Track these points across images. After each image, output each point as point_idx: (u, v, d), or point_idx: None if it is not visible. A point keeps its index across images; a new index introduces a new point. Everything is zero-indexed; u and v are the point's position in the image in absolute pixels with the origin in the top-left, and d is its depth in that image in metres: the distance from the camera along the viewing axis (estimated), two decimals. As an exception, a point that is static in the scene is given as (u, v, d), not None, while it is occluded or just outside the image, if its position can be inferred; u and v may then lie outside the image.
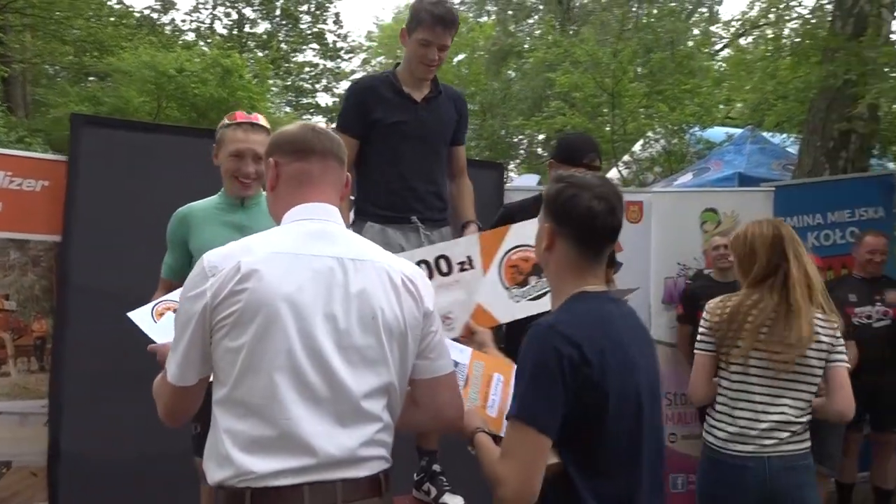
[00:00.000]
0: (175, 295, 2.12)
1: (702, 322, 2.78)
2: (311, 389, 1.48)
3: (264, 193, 2.72)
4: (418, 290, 1.64)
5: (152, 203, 3.56)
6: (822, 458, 4.08)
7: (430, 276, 2.46)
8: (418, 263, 2.42)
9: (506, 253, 2.52)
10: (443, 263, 2.55)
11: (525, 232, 2.47)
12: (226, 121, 2.68)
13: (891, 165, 7.48)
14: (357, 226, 2.98)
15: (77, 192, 3.52)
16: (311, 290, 1.51)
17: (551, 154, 3.25)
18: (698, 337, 2.80)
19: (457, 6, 2.90)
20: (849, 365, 2.66)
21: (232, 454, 1.45)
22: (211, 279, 1.50)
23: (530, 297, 2.48)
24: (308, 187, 1.66)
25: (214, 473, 1.50)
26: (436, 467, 2.92)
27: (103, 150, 3.60)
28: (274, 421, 1.45)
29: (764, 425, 2.55)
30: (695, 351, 2.81)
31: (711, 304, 2.80)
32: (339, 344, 1.51)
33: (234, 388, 1.48)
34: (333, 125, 3.00)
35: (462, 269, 2.54)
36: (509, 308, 2.50)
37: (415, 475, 2.98)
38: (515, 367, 1.76)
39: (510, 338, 2.75)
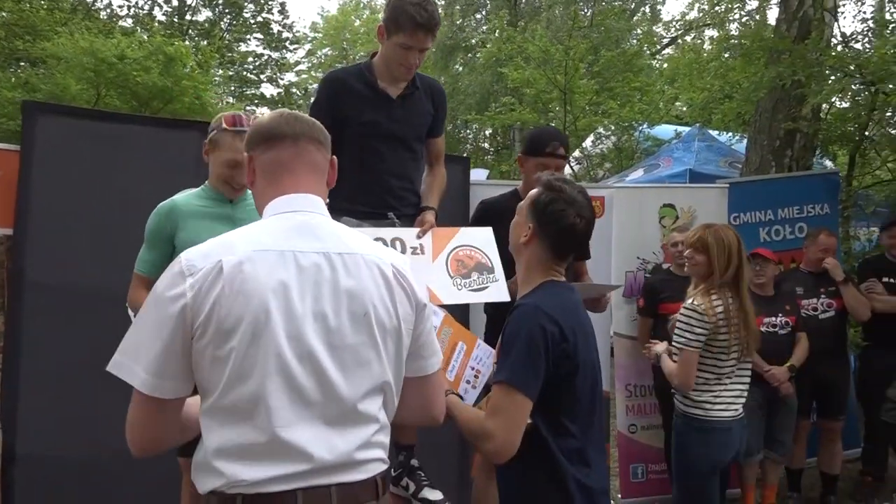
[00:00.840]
0: None
1: (695, 322, 3.16)
2: (303, 393, 1.42)
3: (249, 191, 2.71)
4: (410, 283, 1.60)
5: (110, 195, 3.44)
6: (773, 445, 4.27)
7: (417, 251, 2.71)
8: (374, 240, 2.55)
9: (453, 248, 2.83)
10: (397, 244, 2.72)
11: (473, 235, 2.88)
12: (223, 123, 2.58)
13: (829, 164, 7.81)
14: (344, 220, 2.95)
15: (31, 183, 3.35)
16: (298, 288, 1.44)
17: (520, 149, 3.32)
18: (691, 334, 3.15)
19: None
20: None
21: (221, 463, 1.39)
22: (189, 279, 1.39)
23: (471, 288, 2.76)
24: (285, 176, 1.58)
25: (204, 483, 1.42)
26: (414, 462, 2.90)
27: (58, 139, 3.43)
28: (264, 428, 1.39)
29: (737, 396, 3.29)
30: (685, 347, 3.19)
31: (702, 306, 3.15)
32: (330, 344, 1.45)
33: (221, 396, 1.40)
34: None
35: (413, 254, 2.75)
36: (452, 293, 2.74)
37: (392, 470, 2.96)
38: (497, 341, 2.06)
39: (492, 319, 3.03)
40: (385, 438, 1.56)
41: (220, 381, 1.39)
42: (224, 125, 2.57)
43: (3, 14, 12.73)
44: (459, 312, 2.98)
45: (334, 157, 1.69)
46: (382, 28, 2.79)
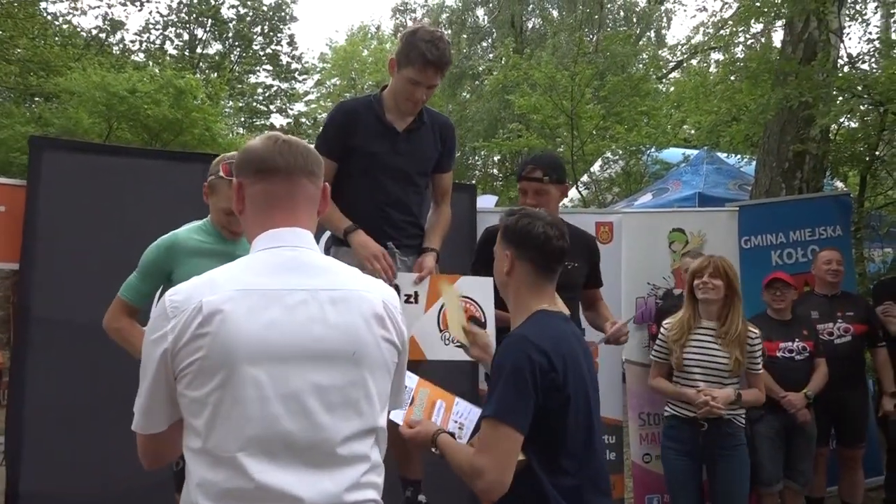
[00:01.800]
0: None
1: (758, 345, 3.56)
2: (288, 436, 1.38)
3: None
4: (397, 319, 1.56)
5: (116, 229, 3.45)
6: (793, 475, 4.17)
7: (411, 301, 2.68)
8: (396, 288, 2.63)
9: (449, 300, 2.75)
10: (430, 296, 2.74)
11: (472, 285, 2.79)
12: (221, 171, 2.56)
13: (840, 185, 7.75)
14: (333, 250, 2.93)
15: (37, 218, 3.37)
16: (283, 328, 1.40)
17: None
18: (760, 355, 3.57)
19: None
20: None
21: None
22: (172, 321, 1.38)
23: (458, 344, 2.62)
24: (276, 210, 1.52)
25: None
26: (421, 498, 2.85)
27: (64, 174, 3.45)
28: (248, 474, 1.34)
29: None
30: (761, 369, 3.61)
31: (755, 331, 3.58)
32: (316, 384, 1.41)
33: (204, 439, 1.37)
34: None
35: (406, 302, 2.72)
36: (437, 348, 2.71)
37: (399, 507, 2.90)
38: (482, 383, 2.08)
39: None
40: (378, 478, 1.51)
41: (201, 424, 1.37)
42: (221, 173, 2.56)
43: (19, 50, 12.95)
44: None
45: (326, 184, 1.64)
46: (394, 61, 2.81)
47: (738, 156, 8.79)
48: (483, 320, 2.77)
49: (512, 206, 3.72)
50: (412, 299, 2.75)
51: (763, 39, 7.98)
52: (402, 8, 26.06)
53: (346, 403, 1.44)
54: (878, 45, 6.67)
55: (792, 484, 4.19)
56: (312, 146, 1.65)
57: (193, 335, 1.35)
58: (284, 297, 1.41)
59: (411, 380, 2.35)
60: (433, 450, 2.11)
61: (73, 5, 15.31)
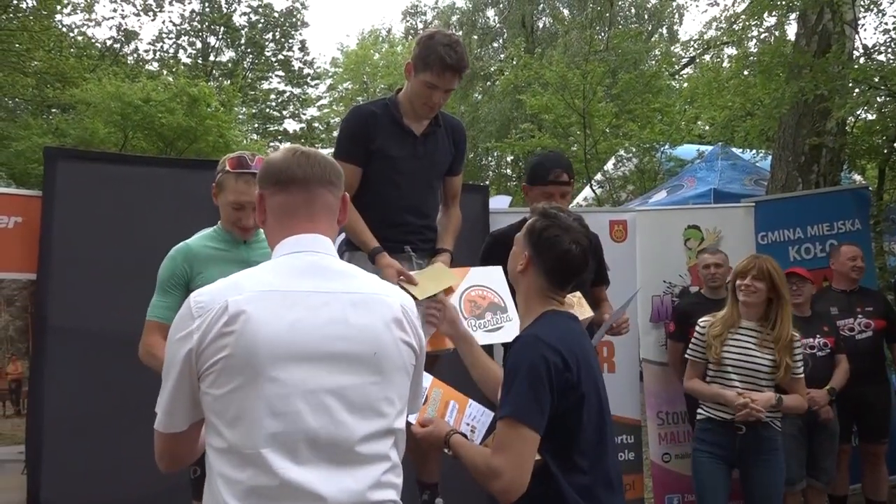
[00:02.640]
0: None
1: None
2: (311, 433, 1.40)
3: (262, 232, 2.69)
4: (416, 325, 1.60)
5: (131, 237, 3.46)
6: (816, 473, 4.11)
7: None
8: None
9: (466, 289, 2.81)
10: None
11: (484, 275, 2.83)
12: (227, 166, 2.57)
13: (858, 178, 7.65)
14: (349, 255, 2.93)
15: (53, 229, 3.39)
16: (306, 328, 1.43)
17: (524, 179, 3.29)
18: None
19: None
20: None
21: None
22: (197, 320, 1.41)
23: (486, 328, 2.72)
24: (295, 219, 1.57)
25: None
26: (438, 501, 2.84)
27: (80, 183, 3.48)
28: (273, 470, 1.36)
29: None
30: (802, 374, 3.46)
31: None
32: (337, 384, 1.44)
33: (227, 437, 1.39)
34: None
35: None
36: None
37: (417, 511, 2.89)
38: (500, 379, 2.02)
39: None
40: (397, 479, 1.53)
41: (224, 422, 1.40)
42: (228, 167, 2.56)
43: (35, 63, 13.12)
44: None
45: (346, 194, 1.67)
46: (410, 65, 2.80)
47: (754, 151, 8.70)
48: (503, 304, 2.78)
49: (525, 207, 3.65)
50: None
51: (777, 33, 7.90)
52: (412, 11, 26.15)
53: (367, 403, 1.46)
54: (894, 36, 6.58)
55: (815, 482, 4.14)
56: (331, 157, 1.69)
57: (218, 334, 1.38)
58: (307, 299, 1.45)
59: (426, 379, 2.36)
60: (445, 450, 2.11)
61: (87, 17, 15.41)
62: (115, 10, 24.11)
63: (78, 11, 14.87)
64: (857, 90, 6.06)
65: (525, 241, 2.10)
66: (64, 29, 14.92)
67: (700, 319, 3.63)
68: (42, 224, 3.40)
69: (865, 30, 8.97)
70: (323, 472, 1.40)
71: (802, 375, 3.47)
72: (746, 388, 3.35)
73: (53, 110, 16.08)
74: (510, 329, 2.78)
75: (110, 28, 27.10)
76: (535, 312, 2.07)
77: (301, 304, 1.44)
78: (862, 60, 6.44)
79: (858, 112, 6.57)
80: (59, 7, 13.64)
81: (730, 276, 3.58)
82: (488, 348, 2.76)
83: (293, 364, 1.40)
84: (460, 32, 23.10)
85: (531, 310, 2.09)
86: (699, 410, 3.57)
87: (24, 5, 12.80)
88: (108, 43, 19.57)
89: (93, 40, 17.43)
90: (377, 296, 1.54)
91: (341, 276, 1.54)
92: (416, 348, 1.59)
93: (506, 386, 1.94)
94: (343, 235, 3.10)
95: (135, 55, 21.72)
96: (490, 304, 2.79)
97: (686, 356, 3.66)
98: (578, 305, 2.76)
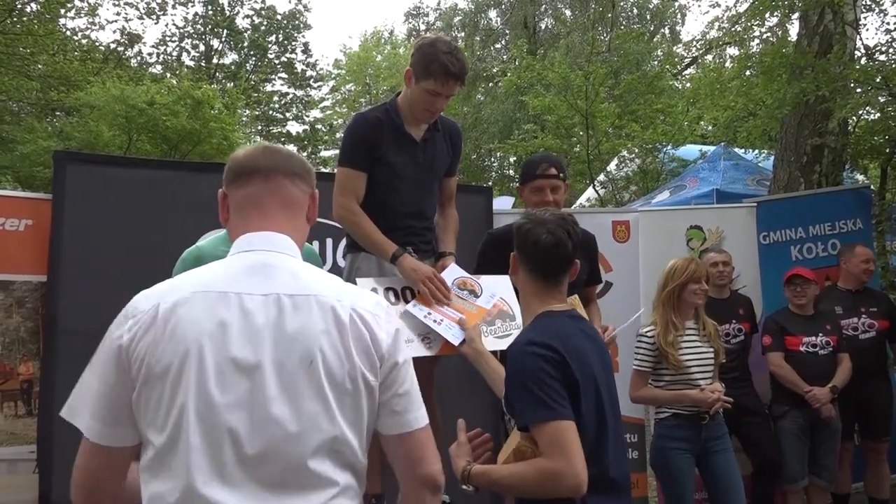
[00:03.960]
0: None
1: None
2: (235, 447, 1.29)
3: None
4: (372, 328, 1.42)
5: (138, 239, 3.50)
6: (818, 471, 4.14)
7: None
8: (404, 290, 2.74)
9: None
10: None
11: (493, 283, 2.86)
12: None
13: (860, 178, 7.66)
14: (351, 257, 2.96)
15: (63, 231, 3.44)
16: (238, 331, 1.33)
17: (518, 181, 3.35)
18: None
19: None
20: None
21: None
22: (130, 321, 1.33)
23: (496, 335, 2.76)
24: (253, 213, 1.50)
25: None
26: (445, 498, 2.86)
27: (88, 187, 3.52)
28: (185, 482, 1.26)
29: None
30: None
31: None
32: (268, 395, 1.32)
33: (152, 446, 1.31)
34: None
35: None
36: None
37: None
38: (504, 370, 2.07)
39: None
40: (350, 502, 1.38)
41: (151, 429, 1.31)
42: None
43: (40, 66, 13.19)
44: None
45: (315, 192, 1.61)
46: (410, 72, 2.81)
47: (756, 151, 8.72)
48: (511, 312, 2.82)
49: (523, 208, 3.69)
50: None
51: (779, 33, 7.91)
52: (414, 12, 26.18)
53: (303, 416, 1.33)
54: (895, 36, 6.59)
55: (817, 480, 4.17)
56: (301, 154, 1.65)
57: (148, 337, 1.31)
58: (244, 301, 1.36)
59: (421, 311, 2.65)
60: (464, 487, 2.03)
61: (91, 20, 15.45)
62: (118, 14, 24.23)
63: (82, 15, 14.93)
64: (858, 90, 6.07)
65: (514, 246, 2.16)
66: (68, 32, 14.96)
67: (642, 330, 3.70)
68: (52, 227, 3.45)
69: (867, 30, 9.00)
70: (247, 492, 1.29)
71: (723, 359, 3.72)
72: (705, 382, 3.52)
73: (58, 113, 16.14)
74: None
75: (114, 31, 27.33)
76: (532, 314, 2.10)
77: (237, 305, 1.36)
78: (863, 61, 6.45)
79: (860, 112, 6.58)
80: (62, 11, 13.71)
81: (668, 282, 3.62)
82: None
83: (222, 367, 1.31)
84: (462, 33, 23.17)
85: (530, 312, 2.12)
86: (660, 409, 3.63)
87: (28, 9, 12.86)
88: (112, 46, 19.64)
89: (97, 44, 17.47)
90: (325, 297, 1.41)
91: (288, 275, 1.43)
92: (374, 354, 1.42)
93: (515, 397, 1.94)
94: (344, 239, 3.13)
95: (138, 58, 21.80)
96: (499, 312, 2.83)
97: (633, 367, 3.69)
98: (577, 309, 2.80)
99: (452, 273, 2.83)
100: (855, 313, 4.42)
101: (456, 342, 2.69)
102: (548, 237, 2.06)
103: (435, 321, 2.67)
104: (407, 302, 2.72)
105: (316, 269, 1.51)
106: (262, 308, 1.36)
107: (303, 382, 1.34)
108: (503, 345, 2.72)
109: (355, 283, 2.74)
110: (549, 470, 1.83)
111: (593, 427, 1.98)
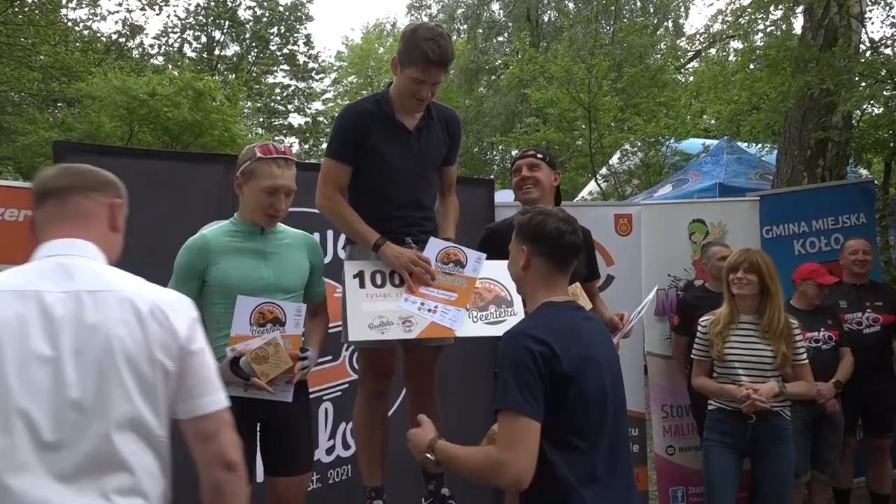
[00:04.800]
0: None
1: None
2: (34, 439, 1.37)
3: (279, 224, 2.69)
4: (170, 320, 1.54)
5: (139, 230, 3.46)
6: (820, 466, 4.12)
7: (401, 284, 2.74)
8: (391, 273, 2.75)
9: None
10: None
11: (493, 268, 2.83)
12: (258, 153, 2.61)
13: (864, 172, 7.62)
14: (350, 248, 2.95)
15: (62, 221, 3.41)
16: (36, 326, 1.42)
17: None
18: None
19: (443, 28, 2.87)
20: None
21: None
22: None
23: (487, 321, 2.76)
24: (52, 227, 1.59)
25: None
26: (445, 491, 2.87)
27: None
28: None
29: None
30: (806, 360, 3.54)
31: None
32: (64, 383, 1.41)
33: None
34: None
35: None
36: (467, 325, 2.75)
37: (423, 500, 2.92)
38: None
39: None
40: (148, 486, 1.48)
41: None
42: (259, 154, 2.60)
43: (41, 57, 13.16)
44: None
45: (116, 201, 1.70)
46: (396, 60, 2.80)
47: (759, 145, 8.69)
48: (510, 298, 2.81)
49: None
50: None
51: (783, 26, 7.87)
52: (417, 4, 26.05)
53: (100, 401, 1.43)
54: (901, 29, 6.55)
55: (819, 475, 4.15)
56: (101, 169, 1.72)
57: None
58: (42, 297, 1.45)
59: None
60: (428, 455, 2.07)
61: (92, 11, 15.41)
62: (120, 5, 24.09)
63: (83, 5, 14.90)
64: (863, 84, 6.04)
65: (517, 240, 2.16)
66: (69, 23, 14.94)
67: (701, 318, 3.66)
68: (52, 217, 3.42)
69: (872, 23, 8.93)
70: (44, 487, 1.37)
71: (806, 361, 3.51)
72: (753, 381, 3.38)
73: (59, 104, 16.15)
74: (512, 322, 2.81)
75: (116, 22, 27.19)
76: (536, 305, 2.11)
77: (35, 302, 1.44)
78: (868, 54, 6.42)
79: (864, 106, 6.54)
80: (64, 1, 13.67)
81: (723, 273, 3.60)
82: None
83: (19, 361, 1.39)
84: (465, 26, 23.09)
85: (535, 303, 2.13)
86: (710, 401, 3.59)
87: (29, 0, 12.83)
88: (114, 37, 19.61)
89: (98, 34, 17.45)
90: (124, 293, 1.51)
91: (89, 275, 1.52)
92: (171, 344, 1.53)
93: (498, 382, 1.98)
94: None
95: (140, 49, 21.77)
96: (495, 297, 2.81)
97: (692, 356, 3.68)
98: (581, 298, 2.79)
99: (434, 248, 2.80)
100: (859, 308, 4.40)
101: (455, 328, 2.70)
102: (563, 225, 2.09)
103: (430, 310, 2.67)
104: (394, 285, 2.73)
105: (119, 270, 1.61)
106: (61, 303, 1.45)
107: (102, 369, 1.44)
108: (496, 331, 2.71)
109: None
110: (495, 458, 1.89)
111: (595, 416, 1.99)
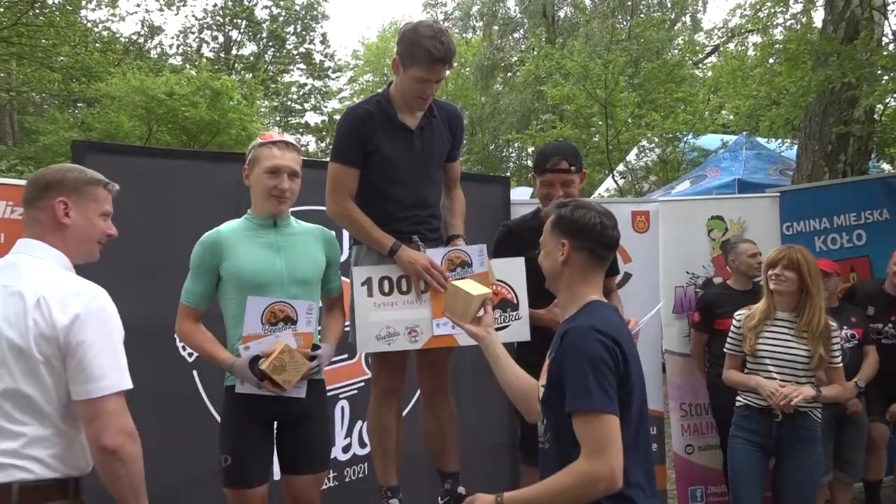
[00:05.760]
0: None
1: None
2: None
3: (292, 218, 2.70)
4: (52, 313, 1.78)
5: (156, 229, 3.49)
6: (843, 466, 4.06)
7: (407, 291, 2.74)
8: (399, 279, 2.74)
9: None
10: (422, 283, 2.74)
11: (503, 268, 2.79)
12: (259, 141, 2.66)
13: (887, 167, 7.51)
14: (356, 249, 2.94)
15: (80, 220, 3.43)
16: None
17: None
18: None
19: (443, 24, 2.82)
20: None
21: None
22: None
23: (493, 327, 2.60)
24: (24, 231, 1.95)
25: None
26: (461, 490, 2.86)
27: (107, 176, 3.50)
28: None
29: None
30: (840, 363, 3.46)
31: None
32: None
33: None
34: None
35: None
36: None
37: (439, 499, 2.92)
38: (551, 357, 2.02)
39: (521, 345, 2.88)
40: (36, 450, 1.76)
41: None
42: (259, 141, 2.66)
43: (61, 58, 13.31)
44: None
45: (58, 199, 1.93)
46: (397, 61, 2.76)
47: (779, 140, 8.58)
48: (516, 301, 2.78)
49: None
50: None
51: (803, 19, 7.76)
52: (433, 2, 26.04)
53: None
54: (925, 21, 6.44)
55: (842, 475, 4.09)
56: (48, 172, 1.98)
57: None
58: None
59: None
60: None
61: (111, 12, 15.55)
62: (138, 5, 24.34)
63: (102, 6, 15.02)
64: (885, 77, 5.94)
65: (556, 233, 2.09)
66: (89, 24, 15.07)
67: (736, 313, 3.59)
68: (70, 216, 3.45)
69: (895, 15, 8.70)
70: None
71: (840, 365, 3.44)
72: (784, 379, 3.31)
73: (79, 104, 16.33)
74: (517, 328, 2.79)
75: (135, 23, 27.47)
76: (580, 301, 2.06)
77: None
78: (891, 47, 6.31)
79: (887, 100, 6.44)
80: (83, 2, 13.81)
81: (762, 268, 3.55)
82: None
83: None
84: (481, 23, 23.05)
85: (576, 298, 2.08)
86: (738, 398, 3.52)
87: (50, 1, 12.97)
88: (133, 38, 19.79)
89: (117, 35, 17.58)
90: (17, 288, 1.80)
91: (11, 272, 1.84)
92: (48, 332, 1.76)
93: (570, 380, 1.89)
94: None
95: (158, 49, 21.96)
96: (501, 301, 2.77)
97: (724, 350, 3.63)
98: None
99: (435, 258, 2.77)
100: (884, 319, 4.25)
101: (458, 336, 2.66)
102: (605, 219, 2.06)
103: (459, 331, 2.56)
104: (401, 293, 2.74)
105: (45, 268, 1.87)
106: None
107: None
108: (501, 336, 2.61)
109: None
110: (587, 473, 1.81)
111: (636, 419, 1.97)
